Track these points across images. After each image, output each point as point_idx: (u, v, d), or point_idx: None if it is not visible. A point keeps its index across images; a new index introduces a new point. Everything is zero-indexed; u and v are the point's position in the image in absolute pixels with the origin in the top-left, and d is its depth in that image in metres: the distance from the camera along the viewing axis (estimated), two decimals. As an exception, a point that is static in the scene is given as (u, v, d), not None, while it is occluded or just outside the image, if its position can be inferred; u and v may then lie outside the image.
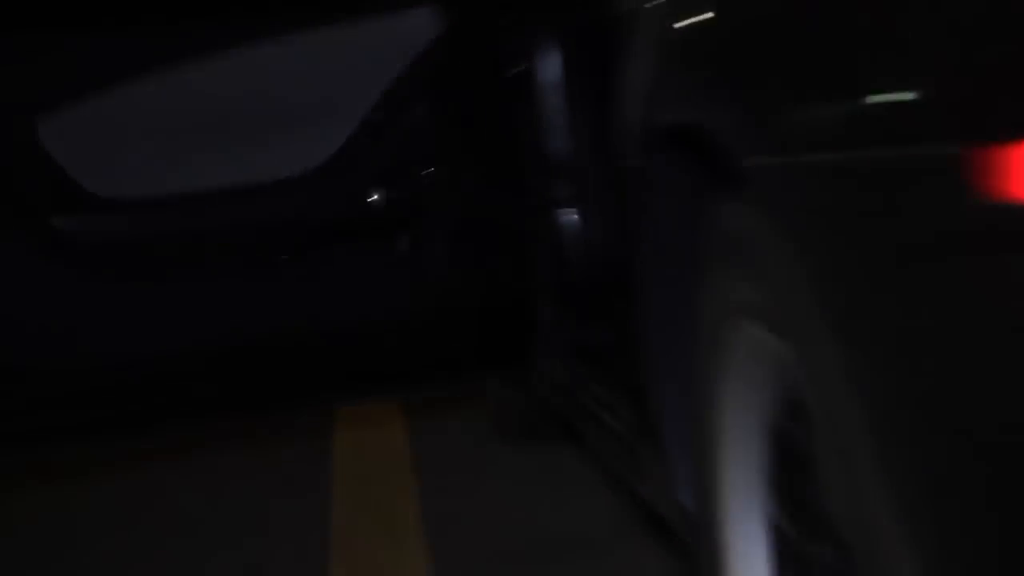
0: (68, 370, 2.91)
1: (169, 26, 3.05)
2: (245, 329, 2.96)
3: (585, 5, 2.54)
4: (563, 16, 2.74)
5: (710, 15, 1.70)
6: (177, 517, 3.62)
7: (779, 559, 1.77)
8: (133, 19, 3.06)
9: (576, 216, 3.00)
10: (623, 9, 2.17)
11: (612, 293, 2.95)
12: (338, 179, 3.00)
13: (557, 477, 3.25)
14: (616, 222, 3.04)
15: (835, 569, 1.56)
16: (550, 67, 2.84)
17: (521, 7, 2.97)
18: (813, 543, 1.64)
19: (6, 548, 3.63)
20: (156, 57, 2.97)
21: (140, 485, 3.97)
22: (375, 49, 2.97)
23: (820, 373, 1.39)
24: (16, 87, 2.89)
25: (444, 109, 3.03)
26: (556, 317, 2.87)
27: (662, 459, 2.08)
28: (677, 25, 1.83)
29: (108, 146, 2.92)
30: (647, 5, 2.01)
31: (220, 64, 2.97)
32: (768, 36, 1.49)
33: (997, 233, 1.13)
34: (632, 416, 2.35)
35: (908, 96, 1.23)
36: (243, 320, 2.96)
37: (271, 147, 2.97)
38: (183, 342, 2.94)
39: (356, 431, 4.15)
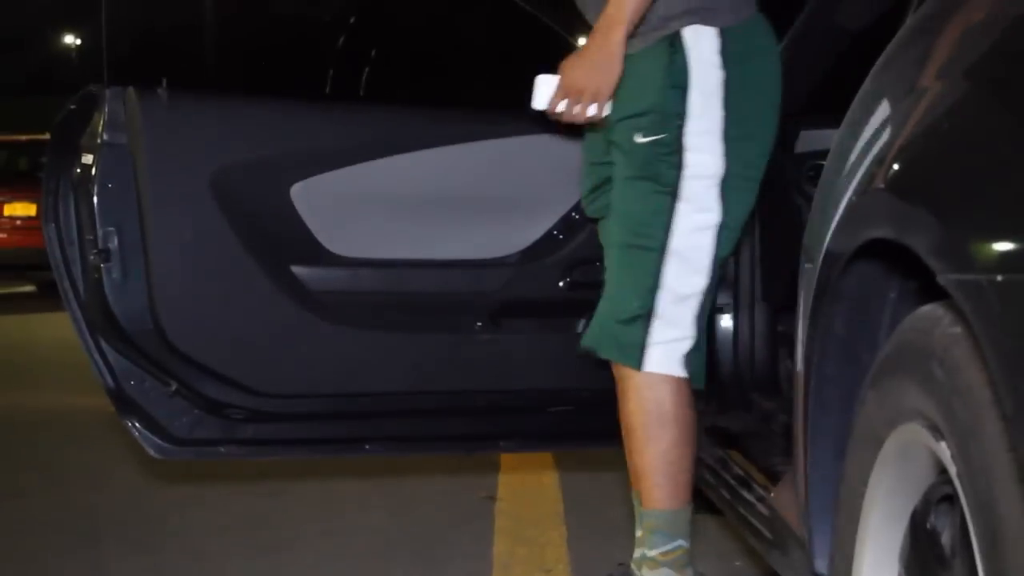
0: (293, 394, 3.34)
1: (412, 110, 3.46)
2: (441, 379, 3.40)
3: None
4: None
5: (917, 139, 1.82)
6: (365, 531, 4.17)
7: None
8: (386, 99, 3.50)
9: (729, 319, 3.38)
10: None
11: (752, 387, 3.37)
12: (536, 263, 3.42)
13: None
14: (766, 326, 3.40)
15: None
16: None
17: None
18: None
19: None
20: (395, 139, 3.39)
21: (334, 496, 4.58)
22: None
23: (979, 472, 1.58)
24: (278, 153, 3.32)
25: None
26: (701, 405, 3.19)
27: (806, 533, 2.27)
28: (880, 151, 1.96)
29: (346, 211, 3.35)
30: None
31: (449, 152, 3.40)
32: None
33: None
34: (774, 492, 2.66)
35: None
36: (441, 372, 3.39)
37: (483, 229, 3.39)
38: (387, 384, 3.37)
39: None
